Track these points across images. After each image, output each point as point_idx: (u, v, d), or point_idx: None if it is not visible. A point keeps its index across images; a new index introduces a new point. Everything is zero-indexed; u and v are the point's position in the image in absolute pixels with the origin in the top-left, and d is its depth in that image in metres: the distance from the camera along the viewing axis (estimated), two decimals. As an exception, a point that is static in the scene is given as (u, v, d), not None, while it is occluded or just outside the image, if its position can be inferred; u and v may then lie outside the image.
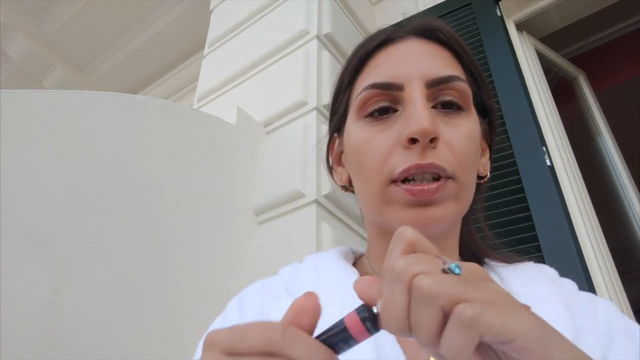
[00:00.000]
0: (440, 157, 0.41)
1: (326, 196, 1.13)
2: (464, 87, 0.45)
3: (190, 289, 0.97)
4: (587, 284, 0.97)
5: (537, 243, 1.05)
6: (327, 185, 1.14)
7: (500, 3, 1.55)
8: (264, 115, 1.36)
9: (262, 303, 0.46)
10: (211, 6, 1.94)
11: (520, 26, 1.59)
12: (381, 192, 0.43)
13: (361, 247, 1.23)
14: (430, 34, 0.48)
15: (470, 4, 1.56)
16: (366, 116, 0.45)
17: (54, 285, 0.75)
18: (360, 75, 0.49)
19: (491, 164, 0.51)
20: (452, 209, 0.41)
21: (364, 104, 0.45)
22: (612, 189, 1.66)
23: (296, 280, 0.48)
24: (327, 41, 1.48)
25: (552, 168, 1.17)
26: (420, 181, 0.41)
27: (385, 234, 0.46)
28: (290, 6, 1.55)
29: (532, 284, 0.44)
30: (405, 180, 0.41)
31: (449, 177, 0.41)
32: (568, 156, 1.31)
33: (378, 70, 0.46)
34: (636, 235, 1.56)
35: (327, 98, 1.31)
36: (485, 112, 0.50)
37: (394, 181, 0.42)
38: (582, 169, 1.31)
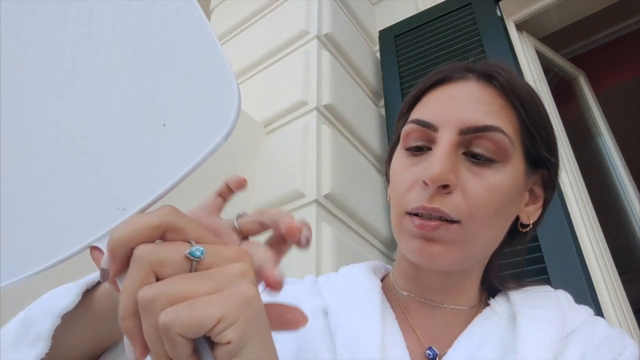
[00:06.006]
0: (448, 203, 0.42)
1: (326, 196, 1.13)
2: (501, 138, 0.44)
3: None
4: (587, 284, 0.97)
5: (537, 243, 1.05)
6: (327, 185, 1.14)
7: (500, 3, 1.55)
8: (264, 115, 1.37)
9: (302, 295, 0.52)
10: (211, 6, 1.94)
11: (520, 26, 1.60)
12: (399, 220, 0.46)
13: (361, 248, 1.23)
14: (488, 78, 0.48)
15: (470, 4, 1.56)
16: (406, 149, 0.48)
17: (54, 285, 0.74)
18: (416, 106, 0.51)
19: (544, 213, 0.51)
20: (453, 252, 0.43)
21: (407, 136, 0.48)
22: (612, 189, 1.66)
23: (328, 286, 0.52)
24: (327, 41, 1.48)
25: (552, 168, 1.17)
26: (427, 219, 0.43)
27: None
28: (290, 6, 1.55)
29: (532, 298, 0.47)
30: (415, 214, 0.44)
31: (454, 222, 0.42)
32: (568, 156, 1.31)
33: (426, 107, 0.49)
34: (636, 235, 1.56)
35: (327, 98, 1.31)
36: (540, 162, 0.49)
37: (408, 213, 0.45)
38: (582, 169, 1.31)
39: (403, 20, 1.71)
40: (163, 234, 0.25)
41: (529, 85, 0.49)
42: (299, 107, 1.30)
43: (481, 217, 0.43)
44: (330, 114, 1.32)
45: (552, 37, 1.70)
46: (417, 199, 0.44)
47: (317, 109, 1.27)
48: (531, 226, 0.49)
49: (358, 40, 1.71)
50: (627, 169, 1.65)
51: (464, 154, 0.44)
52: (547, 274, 1.00)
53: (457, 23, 1.54)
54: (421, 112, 0.48)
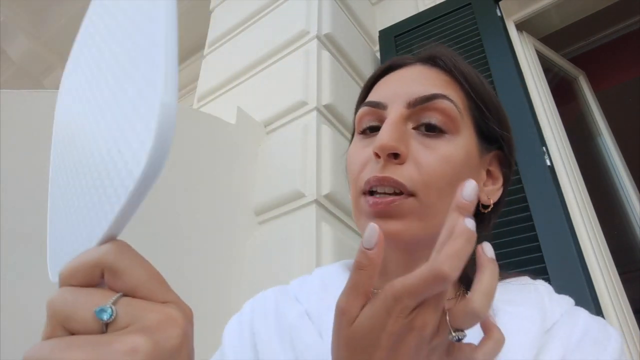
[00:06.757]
0: (400, 174, 0.42)
1: (326, 196, 1.13)
2: (447, 105, 0.44)
3: (190, 289, 0.97)
4: (587, 284, 0.97)
5: (537, 243, 1.05)
6: (327, 185, 1.14)
7: (500, 3, 1.55)
8: (264, 115, 1.37)
9: (279, 304, 0.49)
10: (211, 6, 1.94)
11: (520, 26, 1.60)
12: (356, 202, 0.45)
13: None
14: (433, 60, 0.50)
15: (470, 4, 1.56)
16: (360, 133, 0.48)
17: (53, 285, 0.74)
18: (367, 96, 0.52)
19: (505, 194, 0.50)
20: (412, 226, 0.42)
21: (360, 121, 0.49)
22: (612, 189, 1.66)
23: (304, 291, 0.50)
24: (327, 41, 1.48)
25: (552, 168, 1.17)
26: (380, 195, 0.42)
27: None
28: (290, 6, 1.55)
29: (510, 292, 0.45)
30: (371, 193, 0.43)
31: (410, 195, 0.42)
32: (568, 156, 1.31)
33: (375, 91, 0.50)
34: (636, 235, 1.56)
35: (327, 98, 1.31)
36: (493, 139, 0.48)
37: (364, 193, 0.44)
38: (582, 169, 1.31)
39: (403, 20, 1.71)
40: (102, 275, 0.23)
41: (473, 68, 0.51)
42: (299, 107, 1.30)
43: (436, 188, 0.42)
44: (330, 114, 1.32)
45: (552, 37, 1.70)
46: (370, 173, 0.43)
47: (317, 109, 1.27)
48: (492, 206, 0.47)
49: (358, 40, 1.71)
50: (627, 169, 1.65)
51: (415, 129, 0.45)
52: (547, 274, 1.00)
53: (457, 23, 1.54)
54: (371, 96, 0.49)
